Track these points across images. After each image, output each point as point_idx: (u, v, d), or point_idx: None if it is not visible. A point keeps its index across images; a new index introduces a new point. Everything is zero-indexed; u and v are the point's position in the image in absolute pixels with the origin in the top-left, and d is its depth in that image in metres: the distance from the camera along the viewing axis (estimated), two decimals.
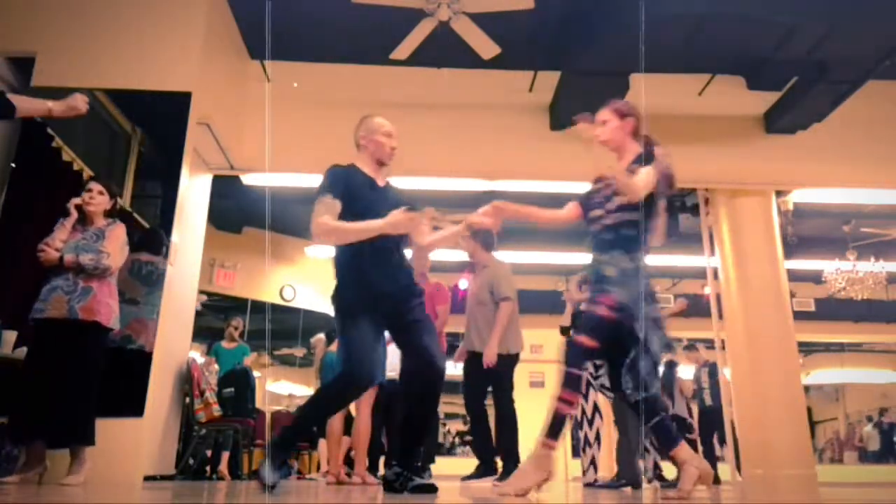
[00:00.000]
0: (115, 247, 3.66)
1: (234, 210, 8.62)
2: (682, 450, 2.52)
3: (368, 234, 2.74)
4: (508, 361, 4.65)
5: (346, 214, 2.77)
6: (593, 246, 2.78)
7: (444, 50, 5.47)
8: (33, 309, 3.45)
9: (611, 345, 2.55)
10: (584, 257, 10.35)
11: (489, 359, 4.50)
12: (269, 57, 6.01)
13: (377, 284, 2.75)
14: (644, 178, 2.61)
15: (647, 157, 2.73)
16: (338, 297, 2.81)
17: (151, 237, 4.73)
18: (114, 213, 3.82)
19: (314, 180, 7.65)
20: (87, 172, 4.81)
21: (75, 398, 3.43)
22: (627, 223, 2.66)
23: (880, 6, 4.86)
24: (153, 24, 5.02)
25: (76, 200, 3.69)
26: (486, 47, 5.15)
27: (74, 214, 3.63)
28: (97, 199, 3.71)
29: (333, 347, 5.24)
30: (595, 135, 2.93)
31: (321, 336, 6.95)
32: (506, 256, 9.11)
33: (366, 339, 2.71)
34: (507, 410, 4.65)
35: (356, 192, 2.82)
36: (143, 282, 4.57)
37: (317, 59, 6.22)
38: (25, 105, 3.07)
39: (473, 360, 4.70)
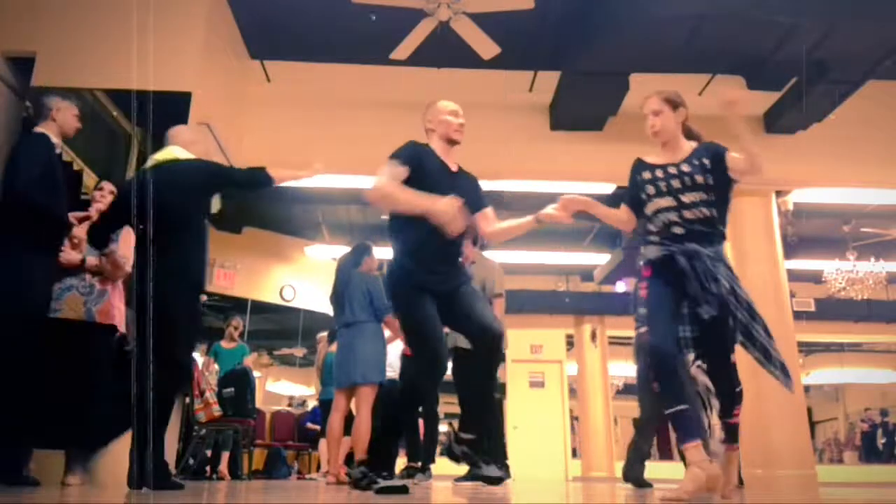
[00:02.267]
0: (129, 251, 3.66)
1: (234, 210, 8.62)
2: (694, 450, 2.43)
3: (414, 208, 2.68)
4: None
5: (417, 182, 2.77)
6: (689, 236, 2.61)
7: (444, 50, 5.47)
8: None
9: None
10: (583, 257, 10.39)
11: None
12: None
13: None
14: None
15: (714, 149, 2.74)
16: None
17: None
18: None
19: (314, 180, 7.65)
20: (88, 172, 4.81)
21: (90, 400, 3.40)
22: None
23: (880, 6, 4.86)
24: (153, 24, 5.01)
25: (77, 214, 3.62)
26: (486, 47, 5.15)
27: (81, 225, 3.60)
28: (108, 199, 3.71)
29: (333, 348, 5.24)
30: (649, 125, 2.79)
31: (325, 334, 6.96)
32: (506, 256, 9.13)
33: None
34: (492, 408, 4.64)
35: (428, 169, 2.81)
36: None
37: (317, 59, 6.23)
38: (280, 174, 3.58)
39: (457, 358, 4.69)
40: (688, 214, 2.60)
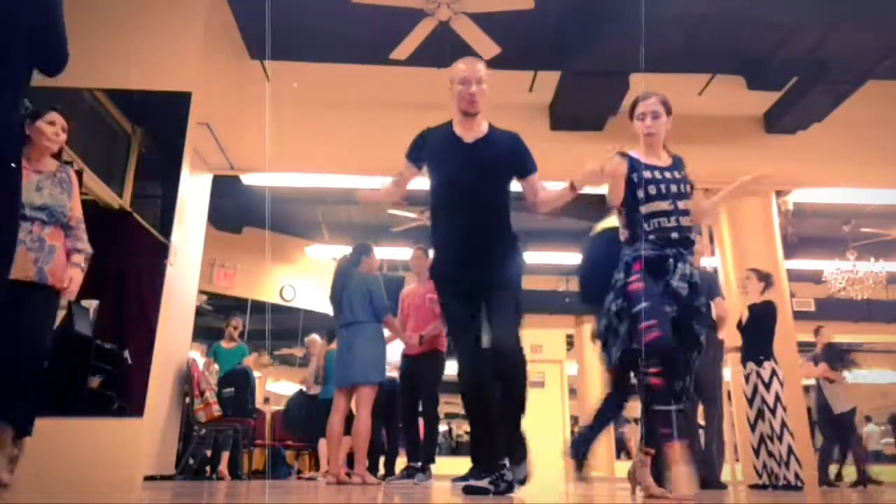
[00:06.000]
0: (78, 196, 3.13)
1: (234, 210, 8.63)
2: (682, 449, 2.43)
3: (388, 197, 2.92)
4: None
5: (432, 174, 2.80)
6: (681, 242, 2.63)
7: (444, 50, 5.46)
8: None
9: None
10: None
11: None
12: (268, 56, 6.01)
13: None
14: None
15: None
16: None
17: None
18: (60, 154, 3.19)
19: (314, 180, 7.65)
20: (88, 172, 4.81)
21: (31, 375, 2.84)
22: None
23: (880, 6, 4.86)
24: (153, 24, 5.02)
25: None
26: (486, 47, 5.15)
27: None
28: (62, 136, 3.09)
29: (333, 346, 5.24)
30: (645, 126, 2.74)
31: (314, 337, 6.99)
32: None
33: None
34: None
35: (436, 150, 2.80)
36: None
37: (317, 59, 6.23)
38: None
39: None
40: (683, 221, 2.64)
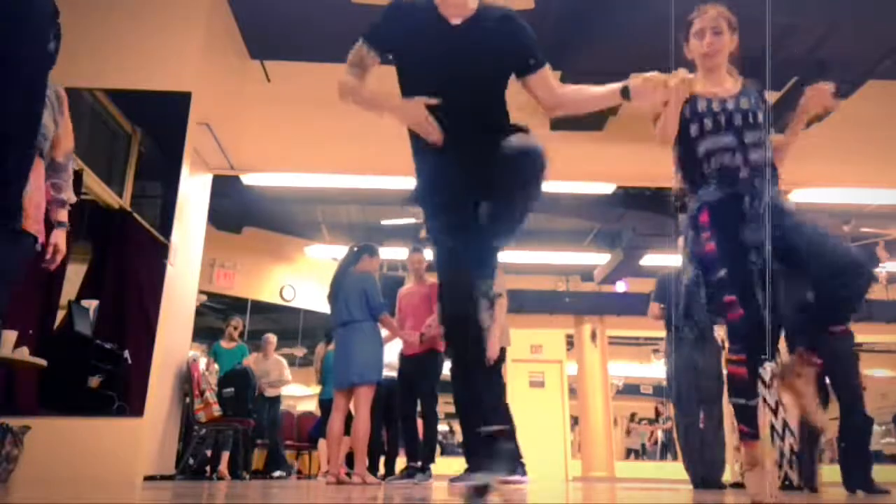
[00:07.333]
0: (69, 123, 2.50)
1: (234, 210, 8.63)
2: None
3: (376, 108, 2.08)
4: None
5: (402, 65, 2.14)
6: (754, 181, 2.21)
7: None
8: None
9: None
10: (583, 257, 10.36)
11: (492, 353, 4.46)
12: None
13: None
14: None
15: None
16: None
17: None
18: None
19: (314, 180, 7.66)
20: (88, 172, 4.81)
21: None
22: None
23: (880, 6, 4.86)
24: (153, 24, 5.02)
25: None
26: None
27: None
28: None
29: (332, 347, 5.25)
30: (706, 43, 2.35)
31: (272, 336, 7.07)
32: (506, 256, 9.13)
33: None
34: None
35: (411, 33, 2.07)
36: None
37: (317, 59, 6.23)
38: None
39: None
40: (754, 156, 2.25)
